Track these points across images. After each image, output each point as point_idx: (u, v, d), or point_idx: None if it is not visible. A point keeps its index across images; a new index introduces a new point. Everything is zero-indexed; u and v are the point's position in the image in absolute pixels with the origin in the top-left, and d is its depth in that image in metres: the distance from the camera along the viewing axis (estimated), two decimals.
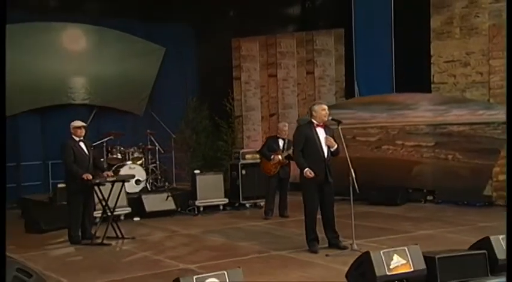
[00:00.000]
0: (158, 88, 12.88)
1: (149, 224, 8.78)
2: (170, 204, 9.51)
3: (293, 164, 7.64)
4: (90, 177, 7.33)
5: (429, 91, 10.50)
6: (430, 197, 10.19)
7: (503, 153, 9.03)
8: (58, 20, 11.89)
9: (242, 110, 12.98)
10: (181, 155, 12.16)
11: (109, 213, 7.59)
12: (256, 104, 12.94)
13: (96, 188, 7.46)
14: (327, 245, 6.55)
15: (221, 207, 9.92)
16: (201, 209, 9.72)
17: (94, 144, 8.77)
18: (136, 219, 9.15)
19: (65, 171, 7.62)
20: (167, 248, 7.14)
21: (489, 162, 9.56)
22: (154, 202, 9.43)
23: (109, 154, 10.26)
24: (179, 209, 9.65)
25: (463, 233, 7.30)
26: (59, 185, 8.96)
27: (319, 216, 6.56)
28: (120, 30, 12.48)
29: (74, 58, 12.02)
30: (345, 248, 6.39)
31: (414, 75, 10.68)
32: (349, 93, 11.98)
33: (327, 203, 6.52)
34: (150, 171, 10.51)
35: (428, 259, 4.90)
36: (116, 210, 7.94)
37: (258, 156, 9.56)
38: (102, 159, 9.49)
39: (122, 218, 8.87)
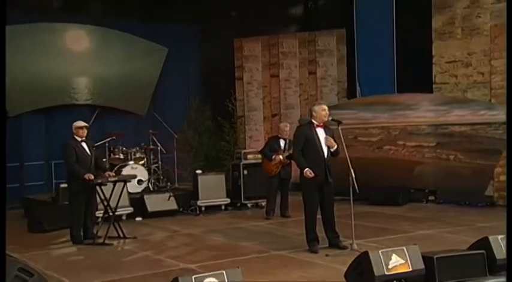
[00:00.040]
0: (161, 88, 12.92)
1: (151, 223, 8.82)
2: (172, 204, 9.55)
3: (294, 164, 7.64)
4: (92, 177, 7.37)
5: (431, 91, 10.51)
6: (431, 197, 10.19)
7: (505, 153, 9.02)
8: (61, 21, 11.96)
9: (244, 110, 13.02)
10: (183, 155, 12.18)
11: (110, 213, 7.63)
12: (259, 104, 12.98)
13: (98, 188, 7.50)
14: (327, 245, 6.57)
15: (223, 207, 9.95)
16: (203, 209, 9.75)
17: (96, 144, 8.81)
18: (138, 219, 9.19)
19: (67, 171, 7.67)
20: (168, 247, 7.17)
21: (491, 163, 9.56)
22: (156, 202, 9.47)
23: (111, 154, 10.31)
24: (181, 209, 9.69)
25: (463, 233, 7.31)
26: (62, 185, 9.02)
27: (319, 216, 6.58)
28: (123, 30, 12.54)
29: (77, 59, 12.08)
30: (345, 248, 6.41)
31: (416, 76, 10.70)
32: (351, 93, 11.99)
33: (327, 203, 6.54)
34: (152, 171, 10.55)
35: (426, 259, 4.91)
36: (118, 210, 8.00)
37: (259, 156, 9.58)
38: (104, 160, 9.52)
39: (124, 218, 8.92)
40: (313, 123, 6.54)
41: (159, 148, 10.71)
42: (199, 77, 13.56)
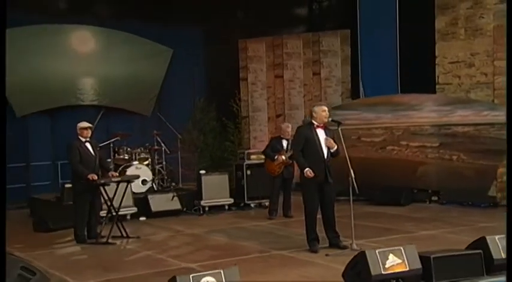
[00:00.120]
0: (166, 89, 13.00)
1: (154, 223, 8.89)
2: (176, 204, 9.61)
3: (297, 165, 7.69)
4: (96, 177, 7.44)
5: (434, 92, 10.53)
6: (434, 198, 10.20)
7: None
8: (67, 22, 12.05)
9: (249, 110, 13.07)
10: (188, 156, 12.24)
11: (114, 213, 7.71)
12: (263, 104, 13.02)
13: (101, 188, 7.58)
14: (327, 245, 6.61)
15: (226, 207, 10.01)
16: (207, 209, 9.81)
17: (101, 144, 8.90)
18: (142, 218, 9.26)
19: (71, 171, 7.76)
20: (170, 247, 7.24)
21: (494, 163, 9.56)
22: (160, 202, 9.53)
23: (116, 155, 10.39)
24: (185, 209, 9.76)
25: (465, 234, 7.30)
26: (67, 185, 9.09)
27: (319, 216, 6.63)
28: (128, 31, 12.61)
29: (83, 60, 12.18)
30: (345, 247, 6.45)
31: (419, 76, 10.72)
32: (355, 94, 12.03)
33: (327, 202, 6.59)
34: (156, 171, 10.62)
35: (423, 258, 4.95)
36: (122, 210, 8.08)
37: (263, 156, 9.63)
38: (108, 160, 9.60)
39: (128, 217, 9.00)
40: (313, 124, 6.59)
41: (163, 148, 10.78)
42: (204, 77, 13.63)
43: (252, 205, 10.14)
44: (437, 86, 10.49)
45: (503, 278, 4.83)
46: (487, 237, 5.22)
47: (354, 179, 6.29)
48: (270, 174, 9.10)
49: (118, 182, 7.79)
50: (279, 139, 9.13)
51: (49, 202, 9.91)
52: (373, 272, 4.75)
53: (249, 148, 12.20)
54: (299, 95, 12.68)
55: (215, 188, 9.88)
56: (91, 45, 12.34)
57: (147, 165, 10.41)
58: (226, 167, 11.77)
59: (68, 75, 11.97)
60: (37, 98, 11.66)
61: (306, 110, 12.45)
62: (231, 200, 10.02)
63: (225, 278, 4.35)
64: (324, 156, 6.51)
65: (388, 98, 10.87)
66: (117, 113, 12.29)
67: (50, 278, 5.26)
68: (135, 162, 10.21)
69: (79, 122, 7.83)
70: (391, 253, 4.88)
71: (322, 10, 13.43)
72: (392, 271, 4.82)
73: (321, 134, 6.55)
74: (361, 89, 11.68)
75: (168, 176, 10.86)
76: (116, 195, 7.73)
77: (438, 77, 10.47)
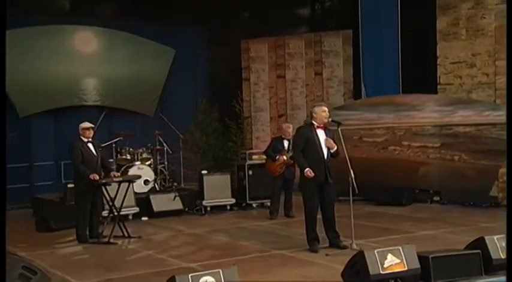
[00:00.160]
0: (168, 89, 13.04)
1: (156, 223, 8.92)
2: (178, 204, 9.65)
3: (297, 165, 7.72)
4: (97, 177, 7.48)
5: (435, 92, 10.54)
6: (436, 198, 10.20)
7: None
8: (70, 23, 12.11)
9: (251, 111, 13.10)
10: (190, 156, 12.28)
11: (115, 213, 7.74)
12: (265, 105, 13.05)
13: (103, 188, 7.62)
14: (327, 245, 6.63)
15: (228, 207, 10.03)
16: (208, 209, 9.84)
17: (104, 144, 8.93)
18: (144, 218, 9.30)
19: (73, 171, 7.80)
20: (171, 247, 7.28)
21: (495, 163, 9.55)
22: (162, 202, 9.57)
23: (118, 155, 10.43)
24: (187, 209, 9.79)
25: (466, 234, 7.29)
26: (69, 185, 9.13)
27: (319, 216, 6.65)
28: (131, 32, 12.66)
29: (86, 60, 12.23)
30: (345, 247, 6.47)
31: (420, 76, 10.74)
32: (357, 94, 12.04)
33: (327, 202, 6.61)
34: (158, 171, 10.65)
35: (422, 258, 4.97)
36: (124, 210, 8.12)
37: (265, 156, 9.66)
38: (110, 160, 9.65)
39: (130, 217, 9.04)
40: (313, 124, 6.61)
41: (165, 148, 10.81)
42: (206, 78, 13.66)
43: (254, 205, 10.16)
44: (438, 86, 10.50)
45: (502, 278, 4.85)
46: (486, 237, 5.24)
47: (353, 179, 6.31)
48: (271, 174, 9.13)
49: (119, 182, 7.83)
50: (280, 139, 9.16)
51: (52, 202, 9.96)
52: (371, 272, 4.78)
53: (251, 148, 12.22)
54: (301, 95, 12.69)
55: (217, 188, 9.90)
56: (94, 45, 12.40)
57: (149, 165, 10.43)
58: (229, 168, 11.80)
59: (71, 75, 12.02)
60: (40, 98, 11.72)
61: (308, 110, 12.45)
62: (233, 200, 10.04)
63: (224, 278, 4.38)
64: (324, 156, 6.53)
65: (390, 98, 10.87)
66: (120, 113, 12.33)
67: (51, 278, 5.30)
68: (137, 163, 10.23)
69: (81, 123, 7.88)
70: (390, 253, 4.91)
71: (324, 10, 13.45)
72: (390, 271, 4.85)
73: (321, 134, 6.57)
74: (363, 89, 11.69)
75: (170, 176, 10.90)
76: (118, 195, 7.77)
77: (440, 77, 10.47)
